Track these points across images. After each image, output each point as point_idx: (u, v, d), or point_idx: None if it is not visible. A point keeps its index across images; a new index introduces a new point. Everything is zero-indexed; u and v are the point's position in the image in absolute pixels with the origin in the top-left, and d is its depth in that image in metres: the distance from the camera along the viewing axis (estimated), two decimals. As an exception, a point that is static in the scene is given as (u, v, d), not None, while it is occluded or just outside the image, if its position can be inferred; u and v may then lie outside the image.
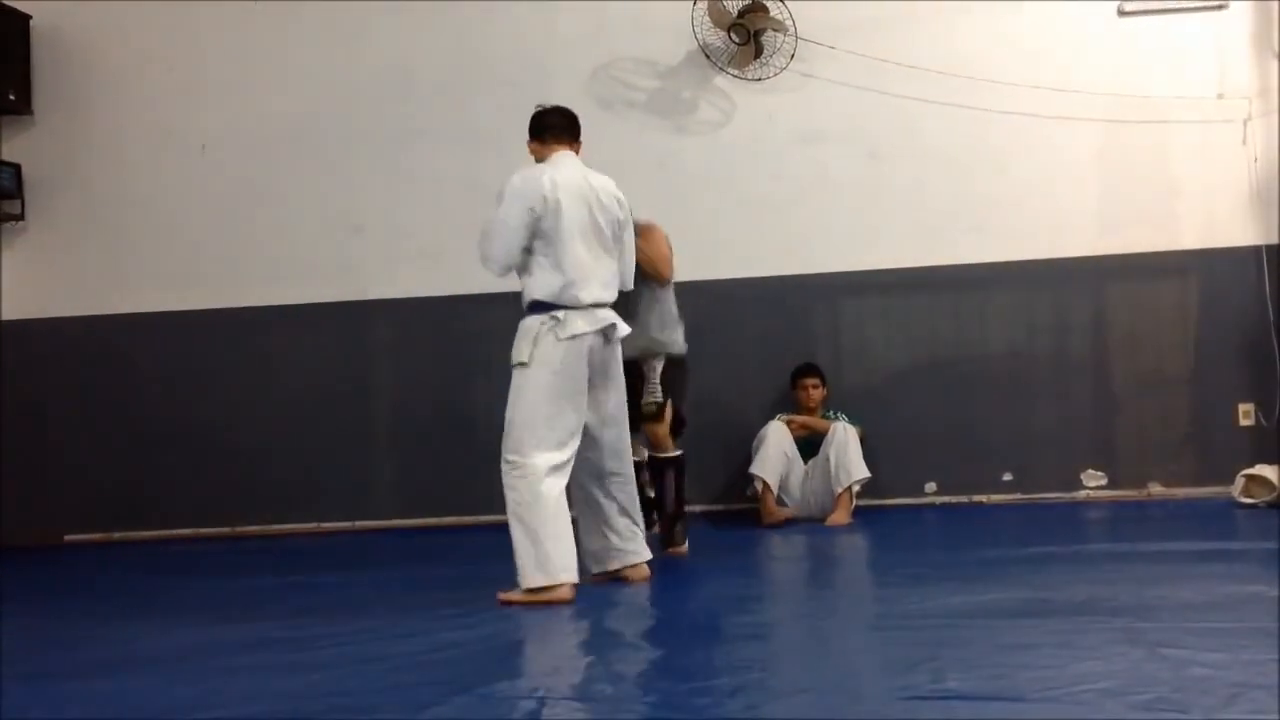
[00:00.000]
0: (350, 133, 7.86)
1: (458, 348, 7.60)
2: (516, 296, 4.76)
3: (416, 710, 2.96)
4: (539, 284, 4.63)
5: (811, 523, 6.86)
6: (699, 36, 7.49)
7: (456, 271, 7.07)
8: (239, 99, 7.97)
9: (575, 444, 4.62)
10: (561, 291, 4.62)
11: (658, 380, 5.69)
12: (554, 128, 4.86)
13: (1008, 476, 7.38)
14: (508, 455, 4.53)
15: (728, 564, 5.67)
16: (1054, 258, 7.43)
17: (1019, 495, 7.35)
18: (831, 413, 7.15)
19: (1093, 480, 7.32)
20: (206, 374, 7.87)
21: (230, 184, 7.94)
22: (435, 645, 3.84)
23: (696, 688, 3.07)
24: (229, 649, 3.88)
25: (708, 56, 7.56)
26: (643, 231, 5.55)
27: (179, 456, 7.79)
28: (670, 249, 5.85)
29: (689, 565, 5.46)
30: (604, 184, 4.82)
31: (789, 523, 6.85)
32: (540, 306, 4.63)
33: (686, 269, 6.91)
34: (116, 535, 7.79)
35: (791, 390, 7.25)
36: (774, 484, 6.91)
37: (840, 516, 6.80)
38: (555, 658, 3.71)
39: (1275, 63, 7.37)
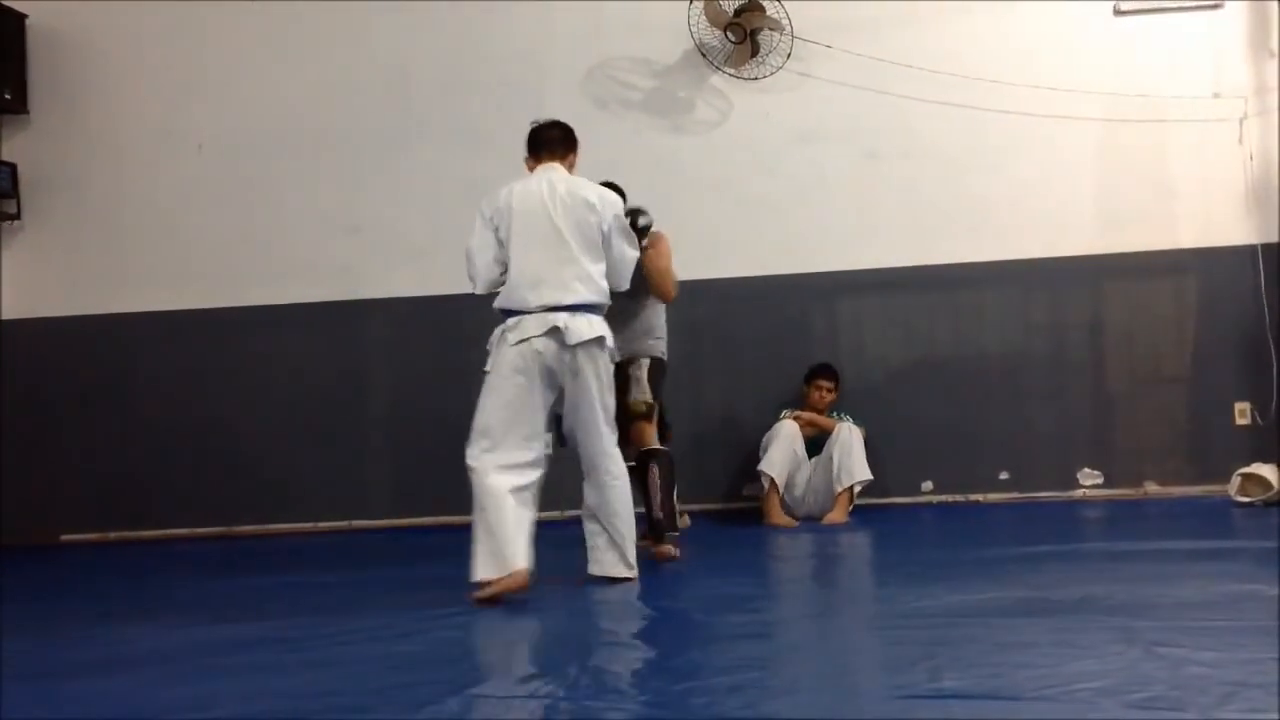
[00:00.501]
0: (347, 132, 7.85)
1: (454, 347, 7.57)
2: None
3: (413, 710, 2.96)
4: (505, 292, 4.78)
5: (810, 521, 6.86)
6: (695, 36, 7.49)
7: (453, 271, 6.96)
8: (235, 99, 7.97)
9: (537, 445, 4.69)
10: (510, 295, 4.75)
11: (645, 379, 5.67)
12: (545, 143, 4.96)
13: (1004, 475, 7.38)
14: (466, 459, 4.66)
15: (725, 562, 5.66)
16: (1050, 257, 7.43)
17: (1016, 494, 7.35)
18: (837, 413, 7.14)
19: (1089, 479, 7.33)
20: (202, 374, 7.87)
21: (227, 184, 7.93)
22: (431, 644, 3.84)
23: (694, 686, 3.07)
24: (225, 649, 3.88)
25: (704, 56, 7.56)
26: (653, 242, 5.59)
27: (175, 456, 7.78)
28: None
29: (686, 564, 5.46)
30: (582, 189, 4.82)
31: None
32: (502, 314, 4.78)
33: (684, 269, 6.90)
34: (113, 535, 7.78)
35: (804, 386, 7.22)
36: (781, 483, 6.90)
37: (838, 515, 6.80)
38: (552, 656, 3.70)
39: (1271, 62, 7.38)
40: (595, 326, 4.74)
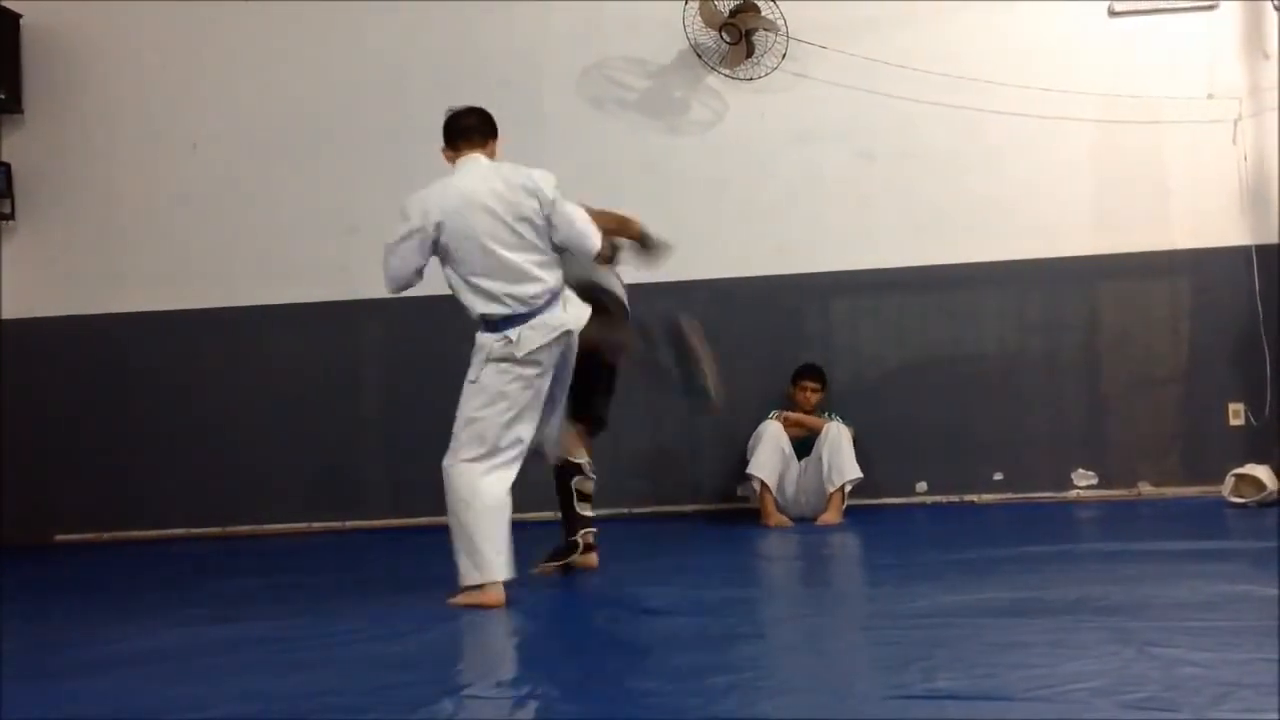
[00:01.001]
0: (343, 132, 7.84)
1: (451, 348, 7.55)
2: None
3: (407, 710, 2.96)
4: (474, 303, 4.62)
5: (803, 522, 6.87)
6: (690, 36, 7.49)
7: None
8: (231, 98, 7.95)
9: (518, 448, 4.60)
10: (486, 305, 4.59)
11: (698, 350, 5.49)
12: (464, 130, 4.79)
13: (999, 476, 7.39)
14: (448, 461, 4.62)
15: (719, 563, 5.67)
16: (1045, 257, 7.44)
17: (1010, 495, 7.36)
18: (826, 413, 7.14)
19: (1083, 480, 7.34)
20: (197, 374, 7.85)
21: (222, 183, 7.92)
22: (426, 645, 3.85)
23: (688, 687, 3.08)
24: (221, 649, 3.88)
25: (699, 56, 7.56)
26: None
27: (170, 456, 7.77)
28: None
29: (679, 565, 5.46)
30: (515, 177, 4.64)
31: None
32: (490, 324, 4.61)
33: (678, 269, 6.90)
34: (107, 535, 7.77)
35: (790, 387, 7.23)
36: (772, 484, 6.90)
37: (832, 516, 6.80)
38: (546, 657, 3.71)
39: (1265, 63, 7.38)
40: (572, 311, 4.68)
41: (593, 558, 5.32)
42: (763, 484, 6.89)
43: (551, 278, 4.64)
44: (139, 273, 7.90)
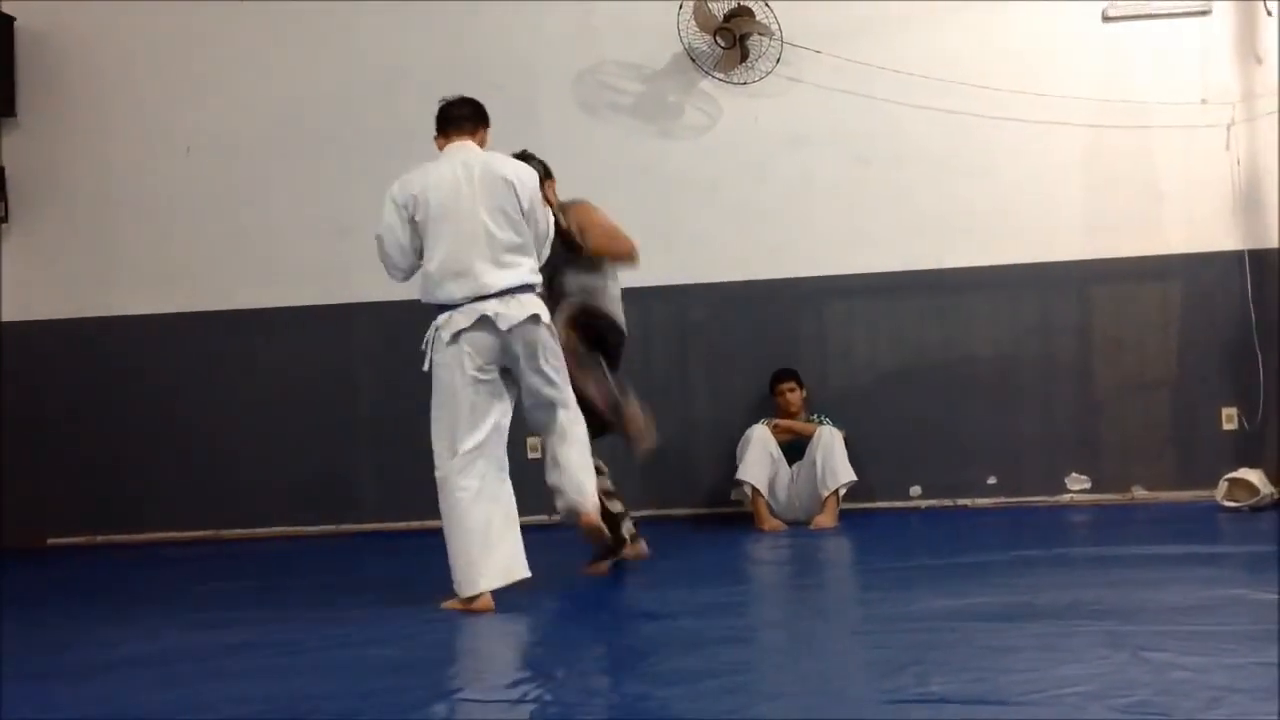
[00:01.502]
0: (337, 135, 7.83)
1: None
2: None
3: (400, 713, 2.96)
4: (426, 289, 4.72)
5: (797, 526, 6.87)
6: (684, 40, 7.49)
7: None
8: (225, 100, 7.95)
9: (478, 437, 4.63)
10: (435, 290, 4.67)
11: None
12: (454, 120, 4.89)
13: (992, 480, 7.39)
14: (436, 472, 4.68)
15: (713, 567, 5.67)
16: (1039, 262, 7.44)
17: (1003, 499, 7.36)
18: (816, 416, 7.15)
19: (1077, 484, 7.34)
20: (191, 376, 7.84)
21: (216, 186, 7.91)
22: (419, 648, 3.84)
23: (681, 691, 3.08)
24: (212, 653, 3.88)
25: (693, 60, 7.56)
26: (581, 211, 5.39)
27: (163, 459, 7.75)
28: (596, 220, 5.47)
29: (673, 568, 5.46)
30: (498, 167, 4.72)
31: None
32: (435, 310, 4.71)
33: (673, 273, 6.93)
34: (100, 538, 7.76)
35: (771, 396, 7.25)
36: (763, 488, 6.90)
37: (826, 520, 6.81)
38: (539, 661, 3.71)
39: (1258, 68, 7.40)
40: (527, 306, 4.64)
41: (642, 546, 5.47)
42: (754, 489, 6.89)
43: (514, 274, 4.65)
44: (132, 276, 7.88)
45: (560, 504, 4.85)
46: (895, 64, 7.37)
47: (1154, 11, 7.47)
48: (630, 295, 5.72)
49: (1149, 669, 3.02)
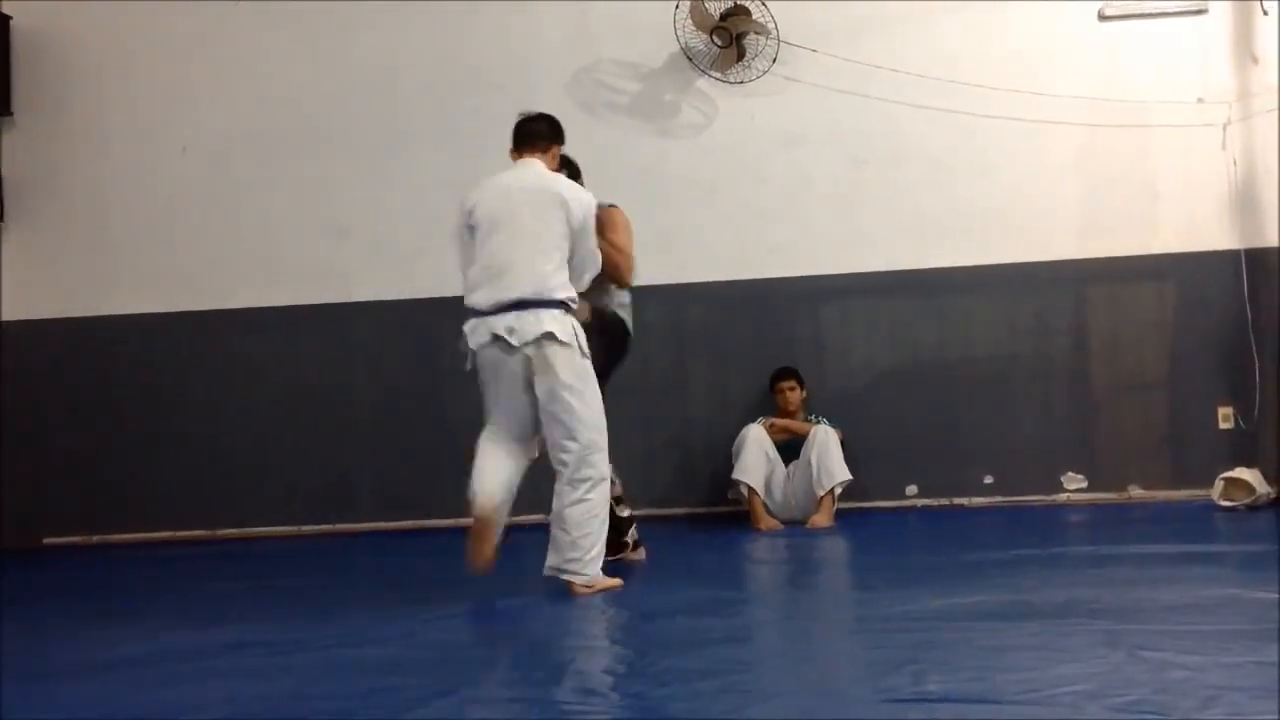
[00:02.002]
0: (333, 135, 7.84)
1: (442, 350, 7.55)
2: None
3: (398, 713, 2.96)
4: (467, 292, 4.79)
5: (794, 525, 6.87)
6: (681, 39, 7.49)
7: (440, 273, 6.99)
8: (221, 100, 7.95)
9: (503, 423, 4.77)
10: (469, 295, 4.75)
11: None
12: (526, 136, 4.93)
13: (989, 479, 7.40)
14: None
15: (709, 566, 5.67)
16: (1035, 261, 7.46)
17: (1000, 498, 7.37)
18: (812, 416, 7.16)
19: (1073, 483, 7.35)
20: (187, 376, 7.84)
21: (212, 186, 7.91)
22: (416, 648, 3.84)
23: (678, 691, 3.07)
24: (209, 652, 3.87)
25: (690, 59, 7.57)
26: (610, 217, 5.32)
27: (159, 459, 7.75)
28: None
29: (671, 567, 5.46)
30: (553, 184, 4.74)
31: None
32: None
33: (669, 272, 6.92)
34: (96, 538, 7.75)
35: (770, 394, 7.26)
36: (759, 487, 6.91)
37: (822, 519, 6.81)
38: (535, 660, 3.70)
39: (1254, 67, 7.40)
40: (544, 322, 4.60)
41: (641, 552, 5.56)
42: (750, 488, 6.89)
43: (542, 286, 4.63)
44: (128, 275, 7.88)
45: (549, 561, 4.75)
46: (892, 63, 7.38)
47: (1150, 11, 7.49)
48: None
49: (1146, 668, 3.02)
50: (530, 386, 4.67)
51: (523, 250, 4.64)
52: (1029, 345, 7.54)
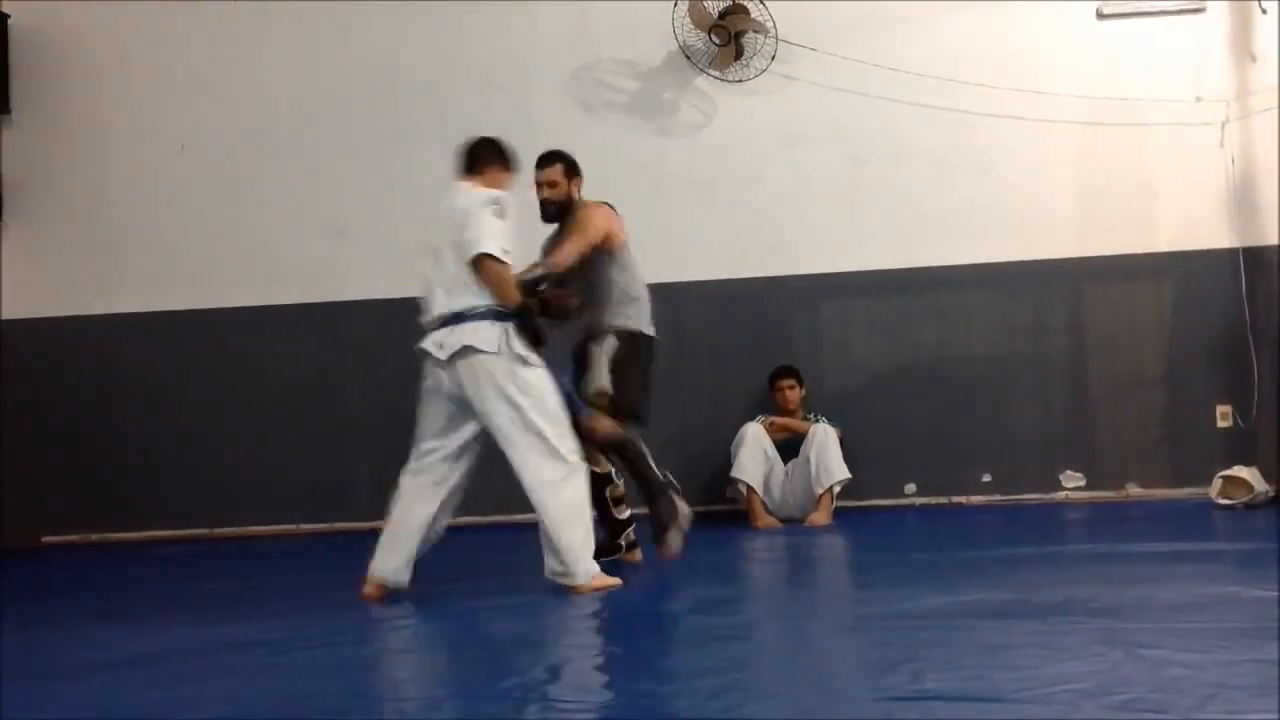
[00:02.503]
0: (331, 133, 7.84)
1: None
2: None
3: (396, 713, 2.96)
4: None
5: (792, 523, 6.87)
6: (680, 38, 7.49)
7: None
8: (219, 99, 7.95)
9: (425, 448, 5.00)
10: (429, 314, 4.94)
11: (604, 363, 5.30)
12: (459, 160, 5.04)
13: (987, 478, 7.40)
14: None
15: (708, 565, 5.66)
16: (1033, 260, 7.46)
17: (998, 496, 7.37)
18: (811, 414, 7.16)
19: (1071, 481, 7.36)
20: (185, 375, 7.84)
21: (210, 185, 7.91)
22: (415, 646, 3.84)
23: (676, 689, 3.08)
24: (207, 651, 3.87)
25: (688, 58, 7.57)
26: (580, 209, 5.35)
27: (157, 457, 7.75)
28: (608, 220, 5.36)
29: (670, 566, 5.46)
30: (462, 200, 4.81)
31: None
32: None
33: (668, 270, 6.91)
34: (94, 537, 7.75)
35: (770, 392, 7.27)
36: (758, 486, 6.92)
37: (821, 517, 6.82)
38: (533, 659, 3.70)
39: (1252, 66, 7.41)
40: (466, 334, 4.67)
41: (637, 554, 5.53)
42: (749, 487, 6.90)
43: (467, 297, 4.73)
44: (126, 274, 7.88)
45: (547, 562, 4.74)
46: (890, 62, 7.38)
47: (1148, 9, 7.50)
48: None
49: (1144, 666, 3.02)
50: (460, 399, 4.79)
51: (442, 272, 4.80)
52: (1028, 344, 7.55)
